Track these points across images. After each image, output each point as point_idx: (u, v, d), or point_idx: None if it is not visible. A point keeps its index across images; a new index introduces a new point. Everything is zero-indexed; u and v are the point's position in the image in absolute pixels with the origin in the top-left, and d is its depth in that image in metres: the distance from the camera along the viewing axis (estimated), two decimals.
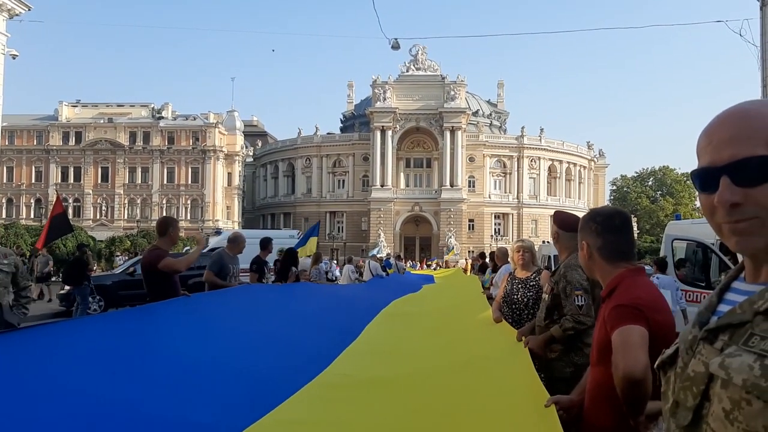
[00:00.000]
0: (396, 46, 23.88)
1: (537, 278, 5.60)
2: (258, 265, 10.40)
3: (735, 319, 1.03)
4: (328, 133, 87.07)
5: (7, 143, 73.92)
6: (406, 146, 78.94)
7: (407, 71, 78.13)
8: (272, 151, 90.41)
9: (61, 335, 3.45)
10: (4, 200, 76.31)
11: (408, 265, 39.85)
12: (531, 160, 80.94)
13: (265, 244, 10.77)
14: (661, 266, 10.49)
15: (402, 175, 79.11)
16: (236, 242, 8.99)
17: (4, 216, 71.73)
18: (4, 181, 77.32)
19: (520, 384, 3.28)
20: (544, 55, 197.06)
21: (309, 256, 17.02)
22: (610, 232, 2.63)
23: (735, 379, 0.96)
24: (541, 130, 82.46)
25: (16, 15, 28.62)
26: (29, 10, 29.07)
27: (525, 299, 5.59)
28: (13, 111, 69.29)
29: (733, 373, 0.96)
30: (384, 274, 19.39)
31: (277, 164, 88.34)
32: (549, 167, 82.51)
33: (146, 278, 5.79)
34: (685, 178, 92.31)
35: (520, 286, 5.68)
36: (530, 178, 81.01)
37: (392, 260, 27.84)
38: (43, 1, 73.48)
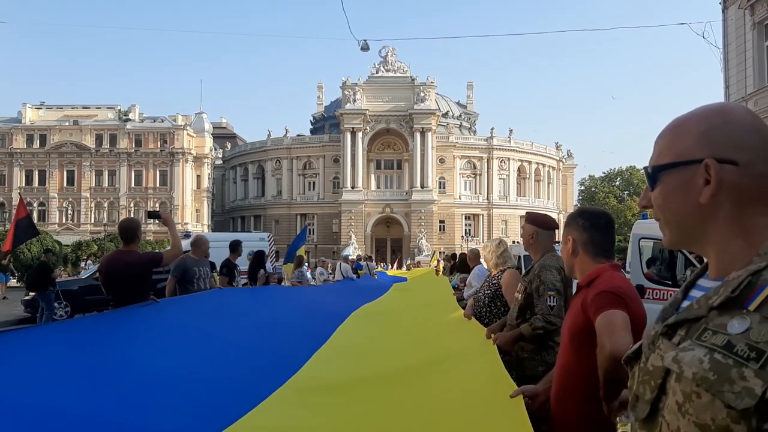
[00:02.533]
0: (365, 48, 23.89)
1: (499, 276, 5.65)
2: (228, 269, 10.34)
3: (691, 314, 1.07)
4: (298, 135, 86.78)
5: None
6: (376, 148, 79.02)
7: (377, 73, 78.23)
8: (242, 153, 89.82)
9: (24, 343, 3.38)
10: None
11: (380, 266, 39.87)
12: (500, 161, 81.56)
13: (235, 246, 10.70)
14: None
15: (372, 176, 79.17)
16: (197, 245, 8.84)
17: None
18: None
19: (489, 378, 3.32)
20: (514, 56, 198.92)
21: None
22: (596, 229, 2.81)
23: (686, 373, 0.99)
24: (510, 131, 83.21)
25: None
26: None
27: (484, 297, 5.67)
28: None
29: (685, 367, 0.99)
30: (354, 276, 19.37)
31: (247, 166, 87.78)
32: (518, 168, 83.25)
33: (112, 283, 5.61)
34: None
35: (485, 284, 5.81)
36: (500, 179, 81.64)
37: (363, 262, 27.81)
38: (4, 3, 72.23)
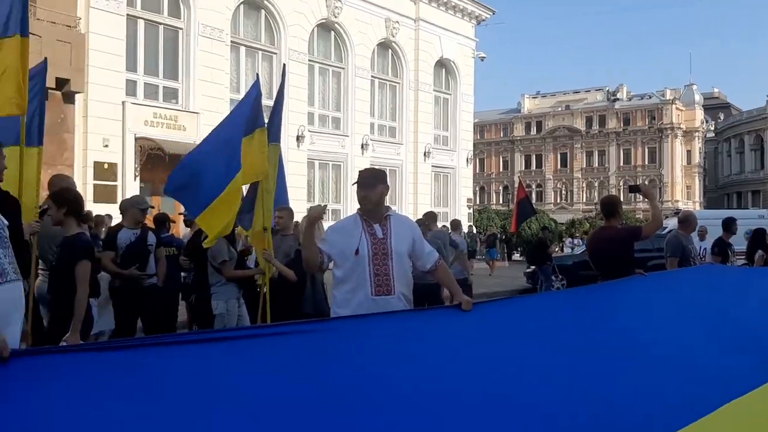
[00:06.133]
0: None
1: None
2: (720, 248, 9.92)
3: None
4: None
5: (478, 137, 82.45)
6: None
7: None
8: (736, 123, 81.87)
9: (520, 309, 3.98)
10: (477, 188, 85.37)
11: None
12: None
13: (728, 225, 10.18)
14: None
15: None
16: (687, 222, 8.60)
17: (477, 202, 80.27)
18: (478, 171, 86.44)
19: None
20: None
21: None
22: None
23: None
24: None
25: (483, 20, 32.01)
26: (493, 14, 32.21)
27: None
28: (483, 108, 77.53)
29: None
30: None
31: (743, 137, 79.74)
32: None
33: (598, 258, 6.07)
34: None
35: None
36: None
37: None
38: (503, 3, 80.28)
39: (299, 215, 6.96)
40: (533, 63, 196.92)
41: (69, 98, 16.67)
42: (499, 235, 30.66)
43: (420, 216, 10.47)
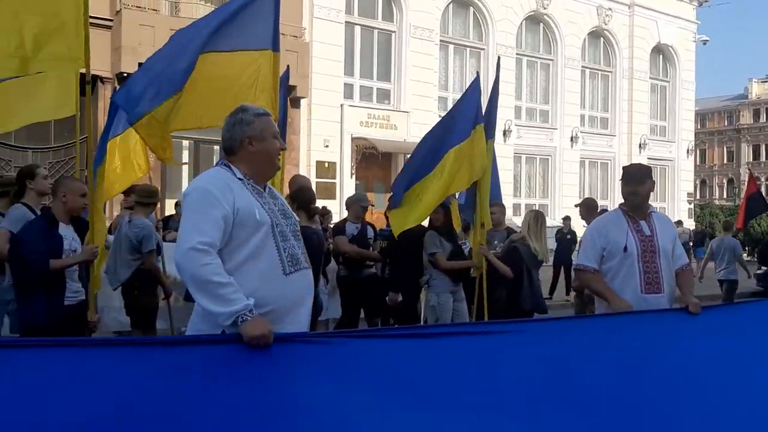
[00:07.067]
0: None
1: None
2: None
3: None
4: None
5: (699, 127, 76.40)
6: None
7: None
8: None
9: (751, 314, 3.77)
10: (698, 181, 79.15)
11: None
12: None
13: None
14: None
15: None
16: None
17: (698, 197, 74.46)
18: (698, 163, 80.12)
19: None
20: None
21: None
22: None
23: None
24: None
25: (705, 1, 29.76)
26: None
27: None
28: (704, 95, 71.70)
29: None
30: None
31: None
32: None
33: None
34: None
35: None
36: None
37: None
38: None
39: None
40: (762, 44, 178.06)
41: (295, 103, 18.12)
42: (708, 233, 28.29)
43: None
